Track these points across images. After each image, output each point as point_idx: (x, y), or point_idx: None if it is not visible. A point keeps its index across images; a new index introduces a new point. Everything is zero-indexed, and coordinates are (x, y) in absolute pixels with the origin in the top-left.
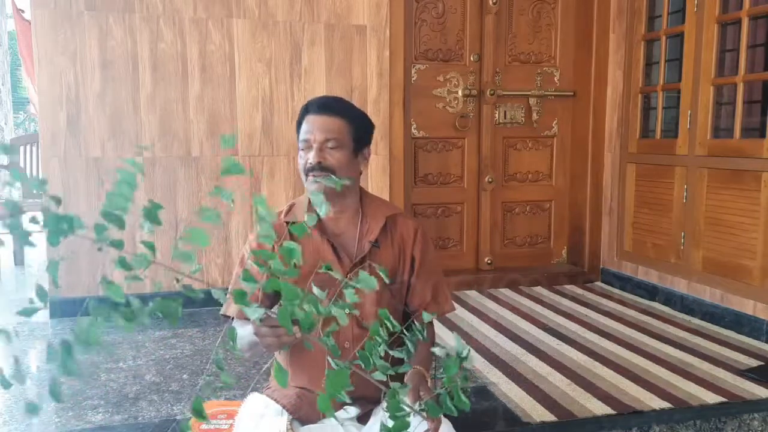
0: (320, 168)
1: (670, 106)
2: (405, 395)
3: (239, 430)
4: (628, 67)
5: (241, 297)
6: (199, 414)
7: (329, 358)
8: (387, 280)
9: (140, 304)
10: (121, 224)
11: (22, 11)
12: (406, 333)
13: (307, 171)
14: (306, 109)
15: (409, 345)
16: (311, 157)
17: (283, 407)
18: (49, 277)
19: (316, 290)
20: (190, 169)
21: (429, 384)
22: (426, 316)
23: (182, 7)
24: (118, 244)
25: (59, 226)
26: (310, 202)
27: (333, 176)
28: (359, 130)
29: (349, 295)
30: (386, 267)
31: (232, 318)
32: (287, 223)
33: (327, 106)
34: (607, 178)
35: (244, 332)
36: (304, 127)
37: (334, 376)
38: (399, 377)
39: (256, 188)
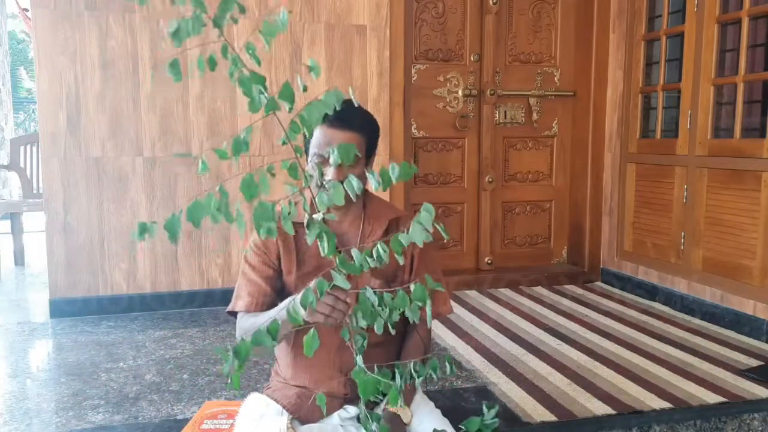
0: None
1: (670, 106)
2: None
3: (239, 430)
4: (628, 67)
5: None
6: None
7: (357, 358)
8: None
9: None
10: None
11: (26, 10)
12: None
13: (322, 186)
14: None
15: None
16: (329, 174)
17: (283, 407)
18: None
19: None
20: (190, 168)
21: (405, 417)
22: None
23: (182, 7)
24: (298, 150)
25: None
26: (312, 201)
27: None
28: (372, 141)
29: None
30: (387, 266)
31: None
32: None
33: (343, 119)
34: (607, 178)
35: (258, 321)
36: (318, 138)
37: (366, 383)
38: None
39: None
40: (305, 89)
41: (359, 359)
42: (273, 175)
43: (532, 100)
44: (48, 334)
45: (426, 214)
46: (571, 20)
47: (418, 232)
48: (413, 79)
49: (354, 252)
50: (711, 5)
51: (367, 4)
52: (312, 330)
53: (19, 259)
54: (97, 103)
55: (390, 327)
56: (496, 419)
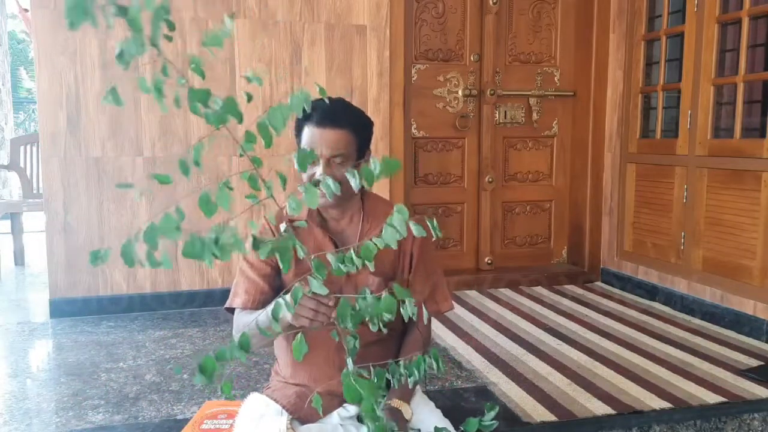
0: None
1: (670, 106)
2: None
3: (239, 430)
4: (628, 67)
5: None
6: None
7: (348, 360)
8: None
9: None
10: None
11: (27, 11)
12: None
13: (314, 185)
14: (308, 116)
15: (394, 382)
16: (318, 173)
17: (283, 407)
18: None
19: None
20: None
21: (406, 414)
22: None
23: (182, 7)
24: (256, 161)
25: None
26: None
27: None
28: (363, 138)
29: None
30: (387, 264)
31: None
32: (289, 221)
33: (331, 117)
34: (607, 178)
35: (250, 319)
36: (307, 137)
37: (350, 387)
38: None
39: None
40: (250, 99)
41: (349, 361)
42: (230, 188)
43: (532, 100)
44: (48, 334)
45: (399, 215)
46: (571, 20)
47: (390, 234)
48: (413, 79)
49: (329, 256)
50: (711, 5)
51: (367, 4)
52: (299, 335)
53: (19, 259)
54: (97, 103)
55: (381, 326)
56: (494, 421)
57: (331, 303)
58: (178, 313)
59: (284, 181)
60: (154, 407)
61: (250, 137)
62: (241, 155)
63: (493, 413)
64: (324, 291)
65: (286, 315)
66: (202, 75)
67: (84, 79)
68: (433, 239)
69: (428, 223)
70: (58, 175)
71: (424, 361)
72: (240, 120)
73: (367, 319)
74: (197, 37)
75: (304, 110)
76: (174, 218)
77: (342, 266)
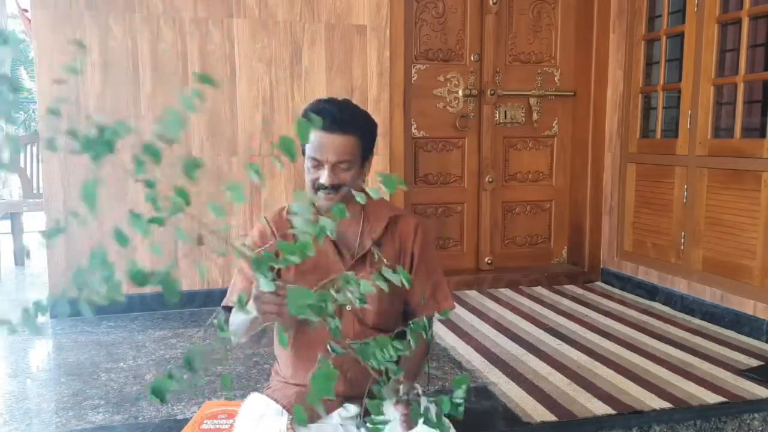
0: (332, 188)
1: (670, 106)
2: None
3: (239, 430)
4: (629, 67)
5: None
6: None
7: (330, 342)
8: (391, 278)
9: None
10: (157, 157)
11: (26, 11)
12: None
13: (318, 188)
14: (312, 120)
15: (411, 341)
16: (323, 178)
17: (283, 407)
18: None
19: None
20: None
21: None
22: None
23: (182, 7)
24: (150, 184)
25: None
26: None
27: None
28: (368, 142)
29: (359, 288)
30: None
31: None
32: (290, 221)
33: (339, 123)
34: (607, 178)
35: (242, 317)
36: (313, 141)
37: (321, 378)
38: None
39: (256, 188)
40: (105, 131)
41: (330, 344)
42: (137, 216)
43: (532, 100)
44: (48, 334)
45: (296, 204)
46: (571, 20)
47: (299, 223)
48: (413, 79)
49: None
50: (711, 5)
51: (367, 4)
52: (277, 324)
53: (19, 259)
54: (97, 103)
55: (359, 301)
56: (461, 401)
57: None
58: (178, 313)
59: (185, 196)
60: (154, 407)
61: (139, 162)
62: (136, 181)
63: (460, 392)
64: (270, 287)
65: (254, 313)
66: (56, 113)
67: (84, 79)
68: (399, 188)
69: (388, 179)
70: (58, 175)
71: (430, 326)
72: (111, 150)
73: (355, 306)
74: (197, 38)
75: (309, 114)
76: (99, 254)
77: (292, 259)
